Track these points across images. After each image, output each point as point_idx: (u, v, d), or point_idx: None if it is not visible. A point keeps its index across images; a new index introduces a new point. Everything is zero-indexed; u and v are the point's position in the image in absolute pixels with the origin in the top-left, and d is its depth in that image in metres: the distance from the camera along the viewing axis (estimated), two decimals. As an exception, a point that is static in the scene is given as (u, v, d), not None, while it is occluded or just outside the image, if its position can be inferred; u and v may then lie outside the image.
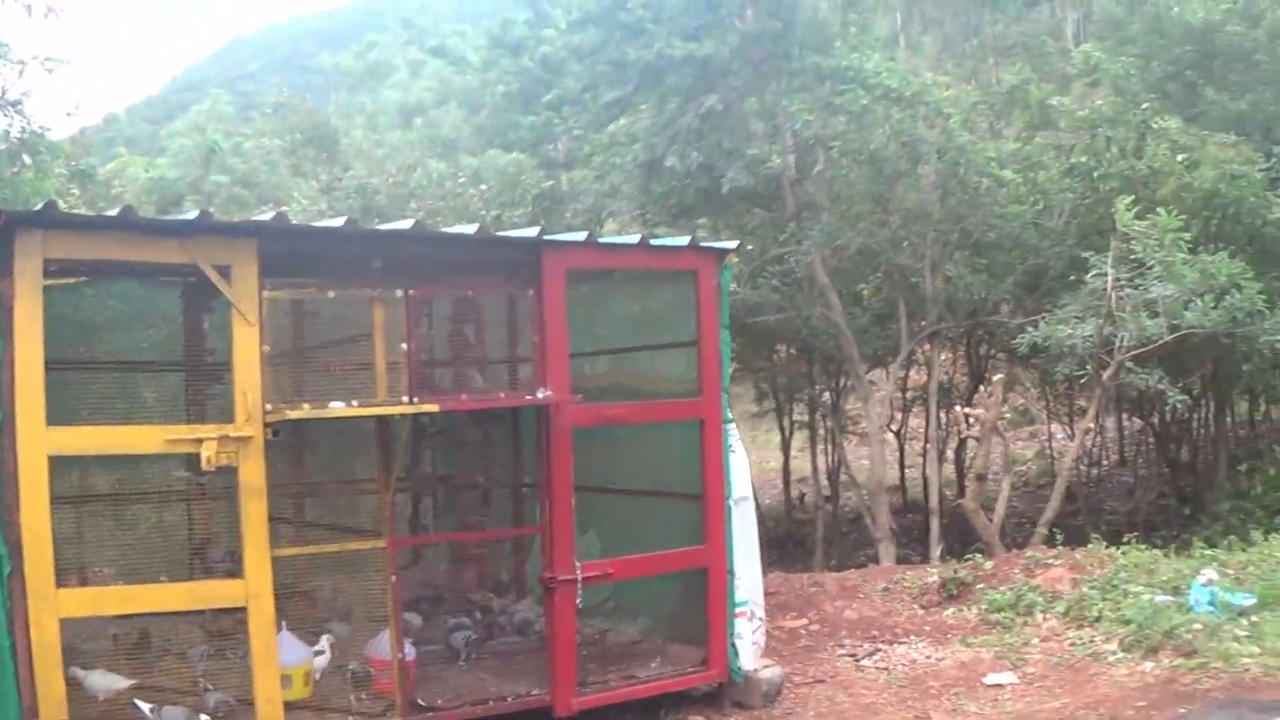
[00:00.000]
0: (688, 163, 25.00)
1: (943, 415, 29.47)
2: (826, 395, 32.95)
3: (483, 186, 28.40)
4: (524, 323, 12.36)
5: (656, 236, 14.54)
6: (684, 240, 12.70)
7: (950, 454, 32.81)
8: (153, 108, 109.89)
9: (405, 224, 10.85)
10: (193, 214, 9.84)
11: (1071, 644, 14.52)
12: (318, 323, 11.23)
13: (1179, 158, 25.30)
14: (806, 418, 34.71)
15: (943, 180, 25.77)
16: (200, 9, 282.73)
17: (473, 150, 31.97)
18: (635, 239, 12.75)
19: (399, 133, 41.52)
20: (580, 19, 26.52)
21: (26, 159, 24.48)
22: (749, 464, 13.29)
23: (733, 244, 12.91)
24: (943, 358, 29.66)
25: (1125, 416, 35.91)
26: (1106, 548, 18.46)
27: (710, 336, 12.35)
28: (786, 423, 35.36)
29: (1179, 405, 24.57)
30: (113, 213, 9.43)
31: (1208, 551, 18.26)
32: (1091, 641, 14.43)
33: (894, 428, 34.30)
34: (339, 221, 10.77)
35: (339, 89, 57.60)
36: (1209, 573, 15.46)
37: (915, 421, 36.18)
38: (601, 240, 12.53)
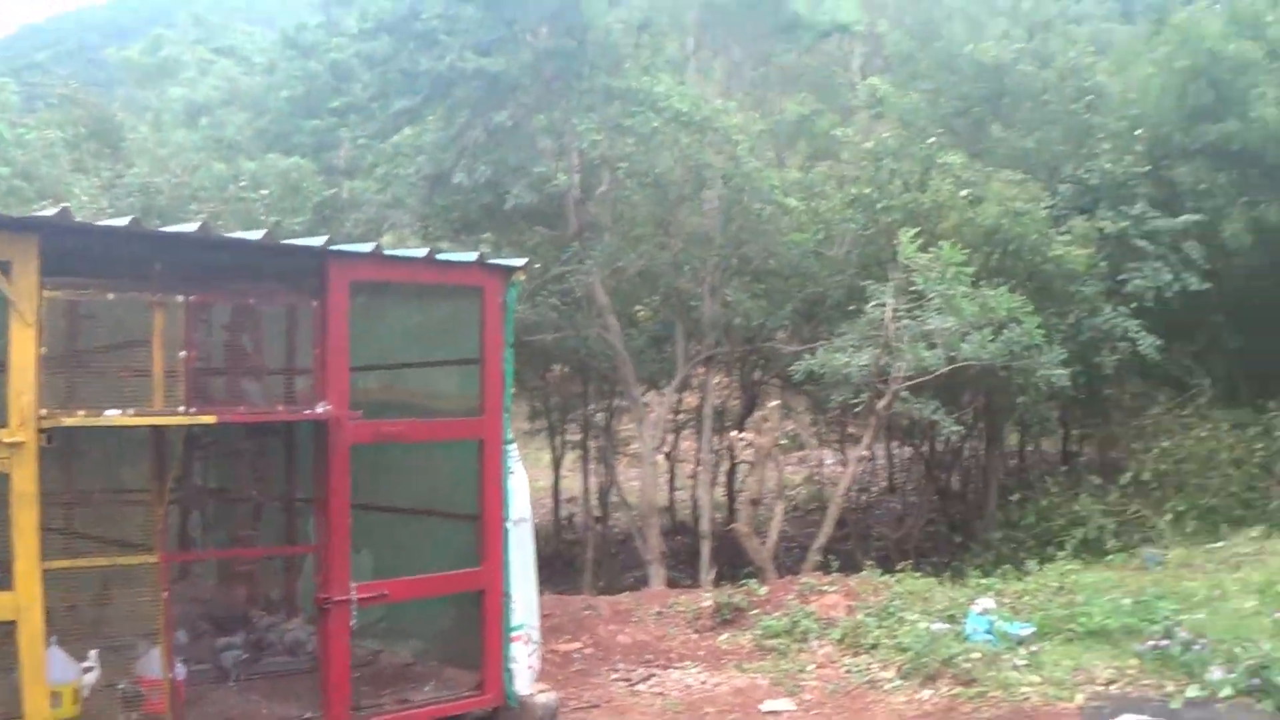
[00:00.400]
0: (474, 177, 24.76)
1: (715, 439, 29.60)
2: (600, 415, 32.97)
3: (263, 191, 27.86)
4: (303, 333, 12.08)
5: (441, 250, 14.36)
6: (471, 256, 12.55)
7: (722, 478, 32.98)
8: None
9: (190, 227, 10.54)
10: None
11: (848, 671, 14.64)
12: (95, 325, 10.84)
13: (963, 193, 25.85)
14: (579, 437, 34.70)
15: (726, 206, 26.00)
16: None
17: (255, 154, 31.34)
18: (422, 252, 12.55)
19: (184, 132, 40.48)
20: (374, 26, 26.21)
21: None
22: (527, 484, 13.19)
23: (520, 261, 12.77)
24: (717, 381, 29.84)
25: (895, 444, 36.53)
26: (881, 575, 18.73)
27: (494, 355, 12.21)
28: (558, 441, 35.32)
29: (952, 435, 25.00)
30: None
31: (983, 580, 18.64)
32: (868, 669, 14.56)
33: (665, 450, 34.43)
34: (123, 221, 10.42)
35: (125, 84, 56.07)
36: (985, 601, 15.75)
37: (686, 444, 36.36)
38: (388, 252, 12.29)
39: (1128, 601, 15.57)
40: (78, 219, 10.13)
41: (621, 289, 27.54)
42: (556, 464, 35.87)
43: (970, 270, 22.30)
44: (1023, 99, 30.95)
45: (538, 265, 25.43)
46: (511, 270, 12.49)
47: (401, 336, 14.08)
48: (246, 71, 38.68)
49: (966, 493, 33.30)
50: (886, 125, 31.17)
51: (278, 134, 34.15)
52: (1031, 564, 20.13)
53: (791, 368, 24.70)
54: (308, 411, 11.10)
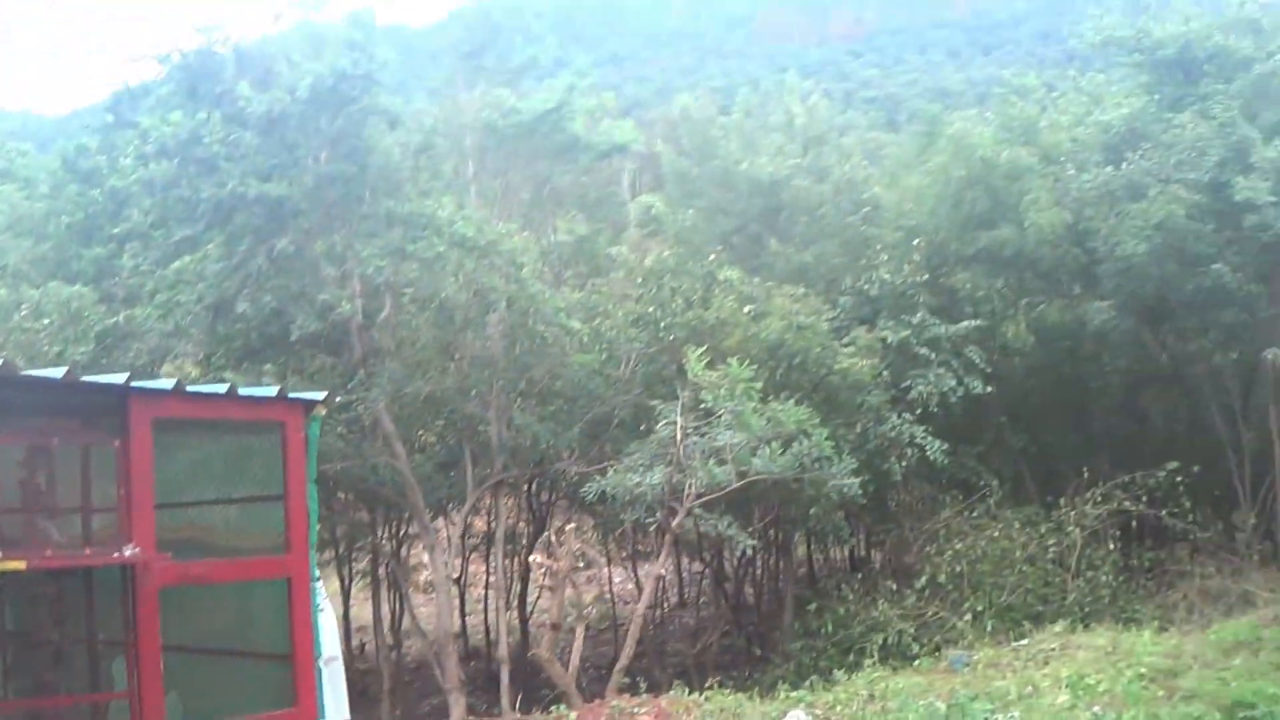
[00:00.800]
0: (258, 306, 24.47)
1: (507, 563, 29.44)
2: (389, 543, 32.61)
3: (45, 320, 27.17)
4: (101, 471, 11.76)
5: (226, 381, 14.11)
6: (272, 391, 12.37)
7: (514, 601, 32.80)
8: None
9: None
10: None
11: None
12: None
13: (745, 309, 26.25)
14: (368, 565, 34.27)
15: (510, 329, 26.10)
16: None
17: (37, 281, 30.56)
18: (223, 388, 12.33)
19: (-38, 261, 39.33)
20: (155, 151, 25.83)
21: None
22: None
23: (320, 395, 12.62)
24: (507, 504, 29.72)
25: (685, 559, 36.68)
26: (689, 693, 18.71)
27: (297, 491, 12.00)
28: (346, 570, 34.84)
29: (747, 549, 25.20)
30: None
31: (793, 693, 18.73)
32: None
33: (456, 575, 34.14)
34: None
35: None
36: (798, 714, 15.81)
37: (475, 568, 36.13)
38: (190, 389, 12.05)
39: (941, 706, 15.83)
40: None
41: (407, 415, 27.34)
42: (346, 593, 35.35)
43: (758, 385, 22.61)
44: (799, 214, 31.70)
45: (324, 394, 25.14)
46: (312, 404, 12.33)
47: (202, 471, 13.76)
48: (28, 196, 37.73)
49: (760, 604, 33.54)
50: (661, 243, 31.59)
51: (59, 261, 33.36)
52: (838, 673, 20.33)
53: (582, 489, 24.72)
54: (116, 555, 10.79)
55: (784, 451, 22.44)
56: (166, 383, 11.61)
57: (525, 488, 31.51)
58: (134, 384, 11.02)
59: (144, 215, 27.16)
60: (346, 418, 25.89)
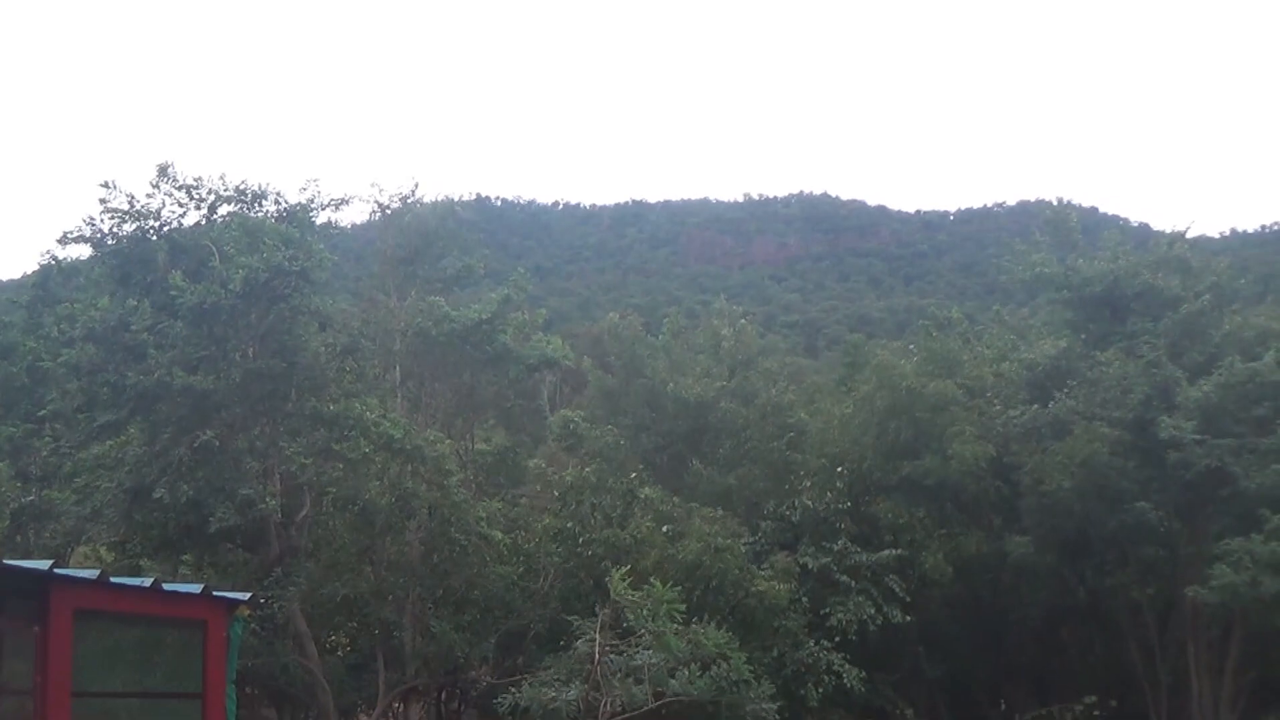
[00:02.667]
0: (176, 495, 24.15)
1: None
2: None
3: (-41, 500, 26.83)
4: (14, 650, 11.47)
5: (139, 568, 13.88)
6: (196, 588, 12.19)
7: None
8: None
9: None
10: None
11: None
12: None
13: (664, 528, 26.20)
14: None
15: (431, 536, 25.92)
16: None
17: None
18: (148, 582, 12.15)
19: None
20: (82, 334, 25.70)
21: None
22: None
23: (244, 596, 12.47)
24: (417, 711, 29.26)
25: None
26: None
27: (215, 692, 11.78)
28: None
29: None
30: None
31: None
32: None
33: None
34: None
35: None
36: None
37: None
38: (114, 580, 11.82)
39: None
40: None
41: (321, 615, 27.00)
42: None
43: (682, 607, 22.46)
44: (725, 436, 31.88)
45: (239, 591, 24.80)
46: (235, 604, 12.16)
47: (114, 659, 13.41)
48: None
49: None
50: (580, 457, 31.60)
51: (-25, 438, 32.98)
52: None
53: (495, 700, 24.33)
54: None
55: (703, 674, 22.22)
56: (89, 572, 11.41)
57: (437, 695, 31.03)
58: (57, 571, 10.83)
59: (67, 398, 26.90)
60: (260, 615, 25.44)
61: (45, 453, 29.81)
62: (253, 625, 24.63)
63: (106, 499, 25.75)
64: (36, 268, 36.16)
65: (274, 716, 30.94)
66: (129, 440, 25.96)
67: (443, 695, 31.53)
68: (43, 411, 30.48)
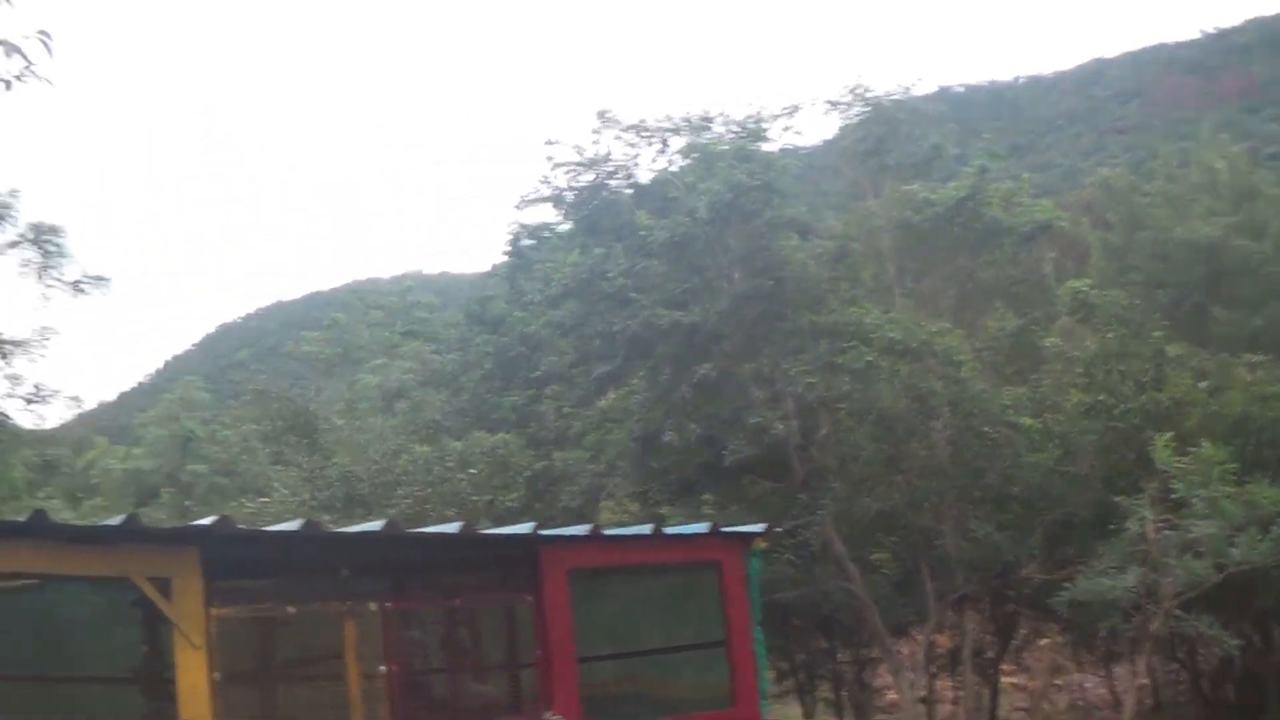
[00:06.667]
0: (686, 436, 23.68)
1: (977, 680, 27.59)
2: (849, 668, 31.10)
3: (471, 470, 26.99)
4: (521, 628, 10.77)
5: (664, 518, 12.97)
6: (703, 527, 11.23)
7: (986, 718, 30.85)
8: (143, 395, 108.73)
9: (375, 525, 9.31)
10: (119, 519, 8.22)
11: None
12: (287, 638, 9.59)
13: (1201, 384, 24.14)
14: (829, 691, 32.77)
15: (957, 434, 24.40)
16: (187, 296, 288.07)
17: (456, 433, 30.68)
18: (647, 529, 11.24)
19: (380, 418, 40.42)
20: (560, 293, 25.64)
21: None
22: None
23: (760, 528, 11.43)
24: (970, 619, 27.93)
25: (1158, 659, 34.10)
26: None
27: (740, 640, 10.85)
28: (808, 700, 33.41)
29: (1233, 651, 22.55)
30: (22, 518, 7.86)
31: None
32: None
33: (922, 695, 32.42)
34: (295, 525, 9.20)
35: (315, 374, 56.79)
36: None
37: (939, 685, 34.27)
38: (606, 533, 10.96)
39: None
40: (243, 525, 9.01)
41: (856, 535, 25.93)
42: (808, 722, 33.94)
43: (1234, 467, 20.41)
44: (1241, 276, 29.41)
45: (766, 522, 24.10)
46: (750, 537, 11.13)
47: (627, 612, 12.57)
48: (437, 350, 38.43)
49: (1242, 703, 30.64)
50: (1094, 328, 29.60)
51: (477, 411, 33.58)
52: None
53: (1051, 599, 22.74)
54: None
55: (1263, 538, 20.08)
56: (581, 529, 10.60)
57: (988, 601, 29.65)
58: (542, 533, 9.99)
59: (561, 356, 26.84)
60: (794, 543, 24.65)
61: (551, 416, 29.93)
62: (786, 555, 23.90)
63: (618, 451, 25.56)
64: (507, 241, 36.67)
65: (824, 644, 30.22)
66: (632, 389, 25.67)
67: (995, 599, 30.17)
68: (537, 373, 30.72)
